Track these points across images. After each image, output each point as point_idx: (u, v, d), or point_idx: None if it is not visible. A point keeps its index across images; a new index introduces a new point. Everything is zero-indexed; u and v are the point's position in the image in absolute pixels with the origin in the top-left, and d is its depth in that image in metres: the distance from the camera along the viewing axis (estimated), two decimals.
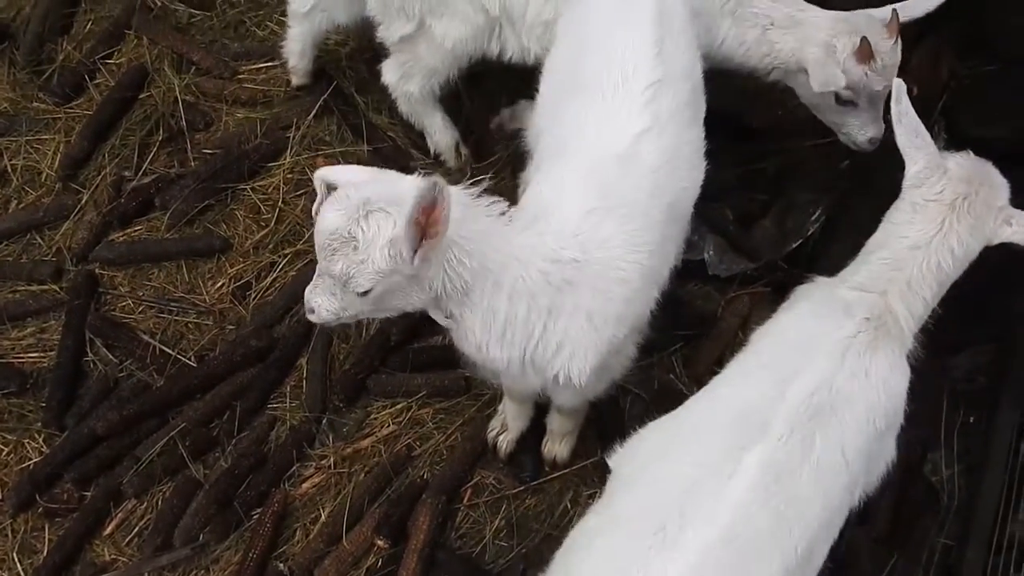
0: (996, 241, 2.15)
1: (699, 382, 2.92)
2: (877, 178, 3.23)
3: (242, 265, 3.27)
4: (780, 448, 1.88)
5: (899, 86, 2.24)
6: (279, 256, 3.27)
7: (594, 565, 1.91)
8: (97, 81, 3.65)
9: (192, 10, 3.80)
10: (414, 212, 1.87)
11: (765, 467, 1.86)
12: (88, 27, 3.76)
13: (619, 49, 2.34)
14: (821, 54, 2.78)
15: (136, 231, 3.36)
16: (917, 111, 3.33)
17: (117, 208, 3.35)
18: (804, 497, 1.89)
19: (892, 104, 2.25)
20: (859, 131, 2.96)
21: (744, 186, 3.35)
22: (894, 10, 2.75)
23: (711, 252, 3.21)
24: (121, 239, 3.34)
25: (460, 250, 2.03)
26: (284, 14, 3.75)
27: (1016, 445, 2.58)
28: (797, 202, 3.32)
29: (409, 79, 3.14)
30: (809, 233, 3.26)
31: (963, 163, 2.20)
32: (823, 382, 1.96)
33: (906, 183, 2.23)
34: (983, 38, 3.38)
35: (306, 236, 3.29)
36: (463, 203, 2.04)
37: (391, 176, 2.10)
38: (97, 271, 3.28)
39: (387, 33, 3.06)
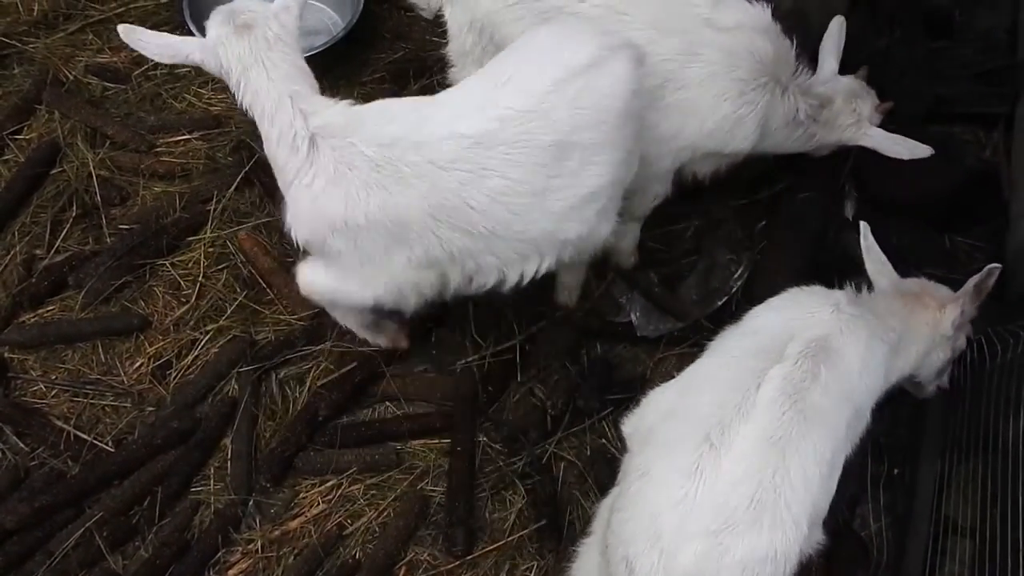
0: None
1: None
2: (791, 237, 3.34)
3: (162, 343, 3.16)
4: (796, 368, 2.14)
5: (864, 227, 2.60)
6: (200, 333, 3.18)
7: (654, 489, 2.05)
8: (6, 157, 3.53)
9: (106, 83, 3.73)
10: None
11: (786, 380, 2.11)
12: None
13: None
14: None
15: (49, 311, 3.23)
16: (828, 172, 3.49)
17: (28, 288, 3.22)
18: (820, 408, 2.12)
19: (861, 240, 2.60)
20: None
21: (666, 247, 3.42)
22: None
23: (638, 314, 3.26)
24: (32, 320, 3.21)
25: None
26: (202, 86, 3.75)
27: (938, 497, 2.64)
28: (719, 261, 3.39)
29: None
30: (733, 291, 3.33)
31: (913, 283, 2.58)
32: (823, 333, 2.23)
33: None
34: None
35: (228, 311, 3.22)
36: None
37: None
38: (6, 355, 3.14)
39: (455, 77, 3.12)
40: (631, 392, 3.07)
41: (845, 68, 3.09)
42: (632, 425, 2.36)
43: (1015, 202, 3.35)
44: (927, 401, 2.91)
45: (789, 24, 2.93)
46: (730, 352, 2.32)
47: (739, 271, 3.35)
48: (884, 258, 2.58)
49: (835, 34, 3.04)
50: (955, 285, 2.67)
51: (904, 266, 3.32)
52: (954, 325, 2.50)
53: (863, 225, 2.61)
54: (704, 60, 2.77)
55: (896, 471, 2.91)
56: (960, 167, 3.47)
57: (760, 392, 2.11)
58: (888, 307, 2.46)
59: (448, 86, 3.13)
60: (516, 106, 2.43)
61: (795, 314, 2.32)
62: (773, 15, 2.86)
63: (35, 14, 3.91)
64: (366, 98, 3.69)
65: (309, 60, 3.64)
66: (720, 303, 3.29)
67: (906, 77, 3.59)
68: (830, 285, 2.48)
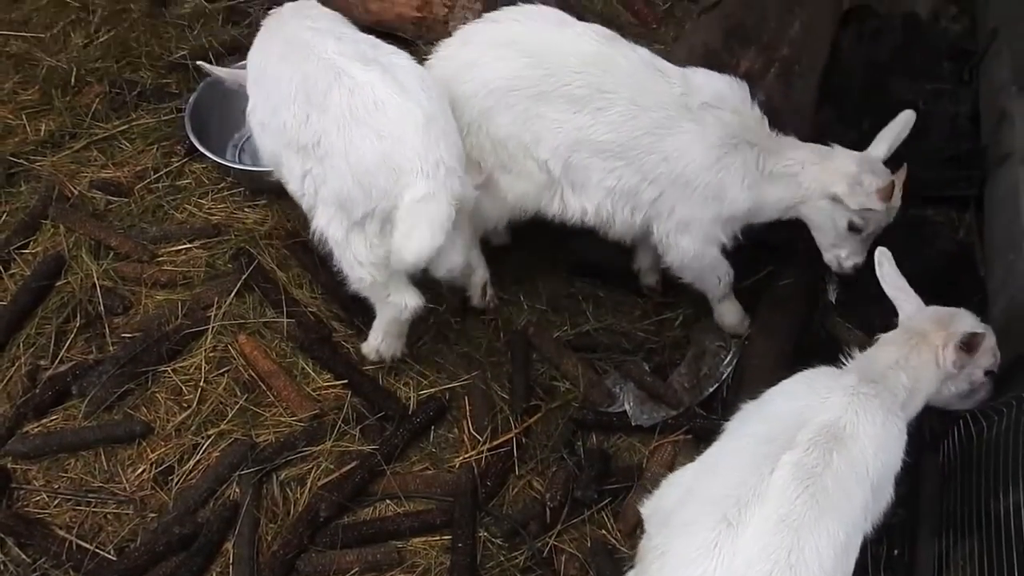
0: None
1: (631, 535, 2.96)
2: (777, 322, 3.43)
3: (164, 449, 3.20)
4: (807, 455, 2.20)
5: (879, 252, 2.68)
6: (202, 437, 3.22)
7: (674, 568, 2.10)
8: (12, 271, 3.64)
9: (110, 197, 3.87)
10: None
11: (797, 466, 2.17)
12: (3, 219, 3.79)
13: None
14: (849, 184, 3.05)
15: (52, 421, 3.27)
16: (810, 258, 3.59)
17: (32, 399, 3.28)
18: (832, 492, 2.16)
19: (877, 269, 2.69)
20: (850, 257, 3.20)
21: (656, 337, 3.50)
22: (904, 166, 3.11)
23: (631, 403, 3.31)
24: (36, 430, 3.25)
25: None
26: (202, 196, 3.89)
27: None
28: (708, 348, 3.47)
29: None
30: (723, 377, 3.40)
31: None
32: (834, 419, 2.28)
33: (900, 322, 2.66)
34: None
35: (229, 415, 3.27)
36: None
37: None
38: (9, 466, 3.17)
39: None
40: (628, 481, 3.11)
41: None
42: (651, 507, 2.42)
43: (990, 279, 3.46)
44: (921, 482, 2.94)
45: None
46: (745, 437, 2.36)
47: (728, 357, 3.43)
48: (903, 283, 2.64)
49: (898, 125, 3.13)
50: None
51: None
52: (955, 366, 2.54)
53: (879, 251, 2.68)
54: (681, 133, 3.05)
55: (896, 552, 2.92)
56: (934, 249, 3.59)
57: (773, 477, 2.16)
58: (894, 362, 2.49)
59: None
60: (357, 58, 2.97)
61: (808, 400, 2.35)
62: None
63: (42, 134, 4.08)
64: None
65: None
66: (711, 389, 3.36)
67: None
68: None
